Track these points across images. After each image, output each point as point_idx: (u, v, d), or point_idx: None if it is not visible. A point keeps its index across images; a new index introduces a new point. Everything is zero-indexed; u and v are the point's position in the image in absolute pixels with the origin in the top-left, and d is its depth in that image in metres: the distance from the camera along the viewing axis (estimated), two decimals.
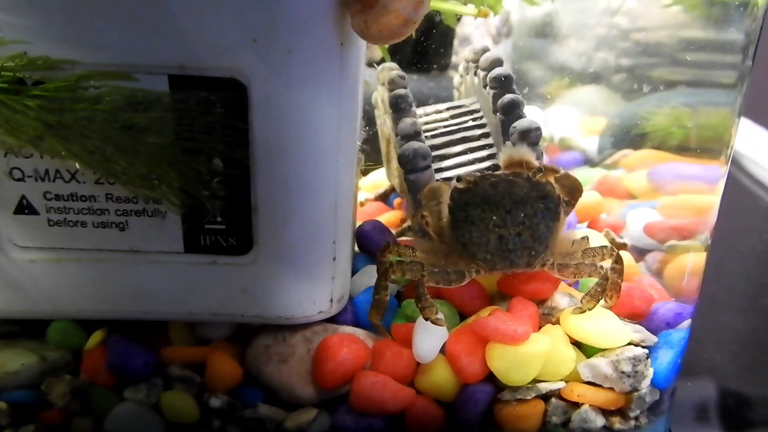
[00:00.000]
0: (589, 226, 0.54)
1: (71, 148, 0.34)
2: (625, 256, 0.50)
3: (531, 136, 0.42)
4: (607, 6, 0.68)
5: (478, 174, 0.40)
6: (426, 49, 0.70)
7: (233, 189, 0.36)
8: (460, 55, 0.90)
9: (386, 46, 0.51)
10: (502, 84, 0.45)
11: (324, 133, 0.36)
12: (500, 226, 0.39)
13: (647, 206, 0.57)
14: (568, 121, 0.81)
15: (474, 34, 0.92)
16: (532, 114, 0.84)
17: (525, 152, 0.42)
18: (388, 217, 0.55)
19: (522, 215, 0.39)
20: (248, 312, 0.39)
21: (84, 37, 0.33)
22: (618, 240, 0.52)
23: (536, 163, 0.41)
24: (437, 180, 0.45)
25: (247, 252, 0.38)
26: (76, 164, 0.35)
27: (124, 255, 0.38)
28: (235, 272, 0.38)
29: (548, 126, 0.82)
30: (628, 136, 0.62)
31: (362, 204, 0.59)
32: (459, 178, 0.39)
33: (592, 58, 0.70)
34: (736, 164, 1.04)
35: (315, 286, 0.39)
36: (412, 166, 0.42)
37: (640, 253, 0.54)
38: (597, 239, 0.48)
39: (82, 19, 0.32)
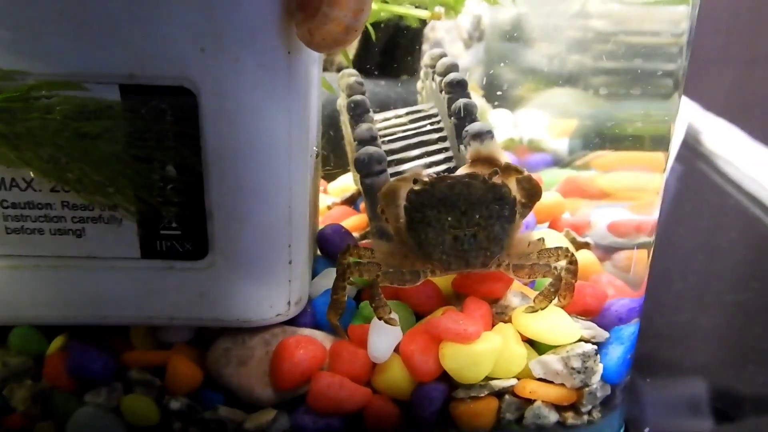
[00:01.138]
0: (550, 226, 0.56)
1: (25, 157, 0.35)
2: (587, 254, 0.51)
3: (483, 139, 0.43)
4: (580, 9, 0.69)
5: (435, 176, 0.41)
6: (394, 54, 0.71)
7: (187, 195, 0.37)
8: None
9: (347, 52, 0.52)
10: (456, 88, 0.46)
11: (275, 139, 0.37)
12: (455, 227, 0.40)
13: (619, 206, 0.58)
14: (538, 123, 0.82)
15: (446, 39, 0.93)
16: (501, 117, 0.86)
17: (493, 149, 0.43)
18: (354, 221, 0.56)
19: (477, 216, 0.40)
20: (206, 316, 0.40)
21: (34, 48, 0.33)
22: (579, 239, 0.54)
23: (502, 161, 0.42)
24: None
25: (203, 257, 0.39)
26: (31, 173, 0.36)
27: (82, 261, 0.38)
28: (192, 277, 0.39)
29: (518, 128, 0.84)
30: (598, 137, 0.64)
31: (329, 208, 0.60)
32: (416, 180, 0.40)
33: (564, 60, 0.71)
34: (709, 164, 1.06)
35: (272, 290, 0.40)
36: (368, 170, 0.43)
37: (606, 251, 0.55)
38: (556, 239, 0.49)
39: (32, 30, 0.33)
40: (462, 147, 0.44)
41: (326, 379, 0.39)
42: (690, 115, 1.09)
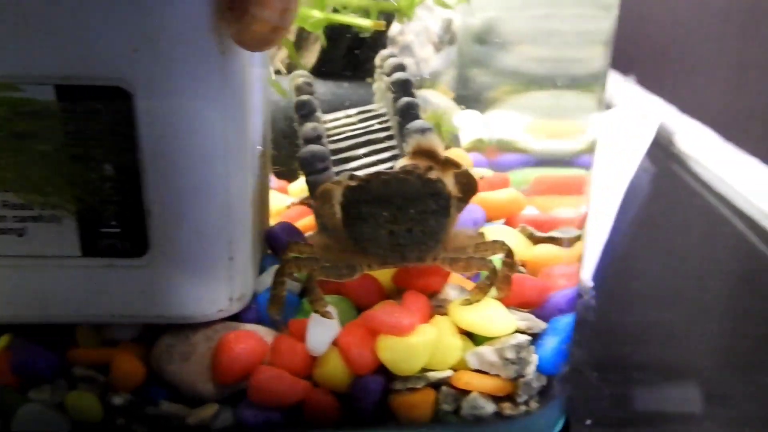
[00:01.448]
0: (506, 223, 0.56)
1: None
2: (549, 248, 0.51)
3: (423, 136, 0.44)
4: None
5: (371, 173, 0.42)
6: (358, 57, 0.72)
7: (125, 194, 0.38)
8: None
9: (295, 54, 0.53)
10: (401, 88, 0.47)
11: (210, 138, 0.38)
12: (391, 222, 0.41)
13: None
14: (514, 125, 0.83)
15: (415, 42, 0.94)
16: (469, 118, 0.87)
17: (432, 142, 0.44)
18: (311, 220, 0.57)
19: (412, 211, 0.41)
20: (148, 313, 0.41)
21: None
22: (538, 234, 0.54)
23: (441, 154, 0.43)
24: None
25: (143, 254, 0.40)
26: None
27: (24, 260, 0.39)
28: (132, 274, 0.40)
29: (488, 128, 0.85)
30: None
31: (288, 207, 0.61)
32: (352, 177, 0.41)
33: (541, 62, 0.72)
34: (681, 164, 1.07)
35: (213, 286, 0.41)
36: (311, 168, 0.44)
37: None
38: (503, 234, 0.50)
39: None
40: (405, 144, 0.45)
41: (266, 373, 0.40)
42: (662, 117, 1.10)
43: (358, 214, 0.41)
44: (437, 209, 0.41)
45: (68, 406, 0.41)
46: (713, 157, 1.03)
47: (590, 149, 0.47)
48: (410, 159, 0.44)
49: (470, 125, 0.85)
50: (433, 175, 0.41)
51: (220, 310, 0.42)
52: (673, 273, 0.70)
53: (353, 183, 0.41)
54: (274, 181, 0.65)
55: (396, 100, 0.46)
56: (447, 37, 1.01)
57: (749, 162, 1.00)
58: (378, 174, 0.41)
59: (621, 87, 1.40)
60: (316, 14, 0.46)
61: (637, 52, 1.65)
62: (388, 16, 0.71)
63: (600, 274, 0.66)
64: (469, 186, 0.43)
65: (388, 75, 0.48)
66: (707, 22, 1.60)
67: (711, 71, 1.59)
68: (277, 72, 0.71)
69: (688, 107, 1.24)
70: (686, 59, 1.62)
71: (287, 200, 0.62)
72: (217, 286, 0.41)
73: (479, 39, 0.87)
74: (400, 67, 0.48)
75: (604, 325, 0.60)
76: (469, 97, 0.91)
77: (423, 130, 0.44)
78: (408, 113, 0.45)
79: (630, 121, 1.05)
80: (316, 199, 0.42)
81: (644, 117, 1.05)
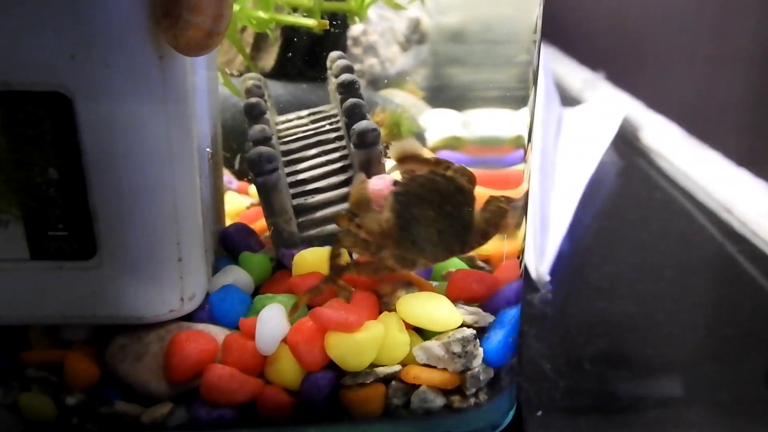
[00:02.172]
0: None
1: None
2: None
3: (368, 137, 0.45)
4: None
5: (407, 176, 0.44)
6: (318, 58, 0.73)
7: (71, 197, 0.38)
8: (365, 63, 0.93)
9: (247, 55, 0.54)
10: (348, 89, 0.48)
11: (153, 142, 0.38)
12: (436, 220, 0.43)
13: None
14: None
15: (379, 42, 0.95)
16: (440, 116, 0.88)
17: (413, 145, 0.45)
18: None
19: (448, 208, 0.43)
20: (99, 314, 0.41)
21: None
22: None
23: (427, 156, 0.45)
24: (291, 181, 0.48)
25: (92, 256, 0.40)
26: None
27: None
28: (82, 276, 0.40)
29: (469, 127, 0.86)
30: None
31: (248, 208, 0.62)
32: (396, 182, 0.43)
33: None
34: (646, 159, 1.09)
35: (163, 287, 0.42)
36: (259, 169, 0.45)
37: None
38: None
39: None
40: (351, 145, 0.46)
41: (217, 371, 0.41)
42: (626, 113, 1.12)
43: (412, 217, 0.42)
44: (464, 202, 0.43)
45: (22, 406, 0.41)
46: (677, 151, 1.05)
47: (518, 144, 0.48)
48: (399, 166, 0.45)
49: (442, 124, 0.86)
50: (450, 173, 0.44)
51: (171, 311, 0.42)
52: (632, 266, 0.72)
53: (399, 188, 0.43)
54: (234, 182, 0.65)
55: (343, 101, 0.47)
56: (415, 37, 1.02)
57: (712, 157, 1.01)
58: (414, 177, 0.43)
59: (591, 83, 1.42)
60: (261, 15, 0.46)
61: (609, 47, 1.67)
62: (345, 19, 0.72)
63: (558, 268, 0.67)
64: (470, 179, 0.45)
65: (336, 77, 0.49)
66: (680, 17, 1.62)
67: (684, 66, 1.61)
68: (239, 74, 0.72)
69: (660, 102, 1.25)
70: (659, 54, 1.64)
71: (246, 201, 0.63)
72: (168, 286, 0.42)
73: (454, 38, 0.88)
74: (348, 69, 0.49)
75: (561, 318, 0.61)
76: (444, 96, 0.92)
77: (368, 132, 0.44)
78: (354, 114, 0.46)
79: (594, 116, 1.06)
80: (356, 208, 0.42)
81: (608, 112, 1.07)
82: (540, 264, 0.66)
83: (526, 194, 0.46)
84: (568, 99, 1.25)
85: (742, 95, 1.57)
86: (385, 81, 0.95)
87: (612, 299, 0.64)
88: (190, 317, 0.44)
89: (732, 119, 1.60)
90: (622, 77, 1.43)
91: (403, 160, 0.45)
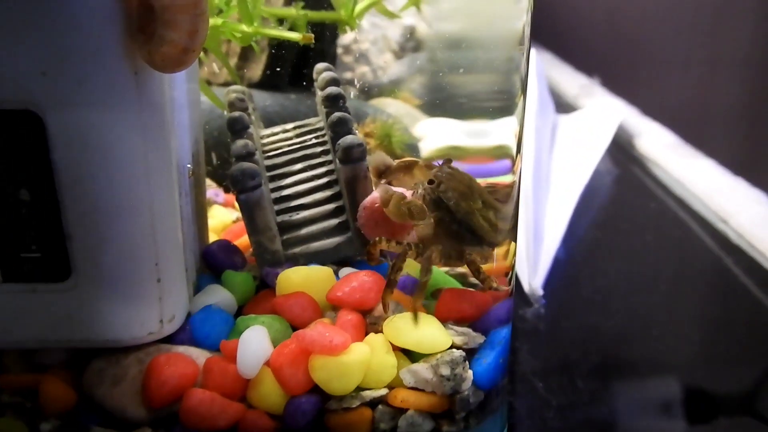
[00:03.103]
0: None
1: None
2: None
3: (353, 152, 0.43)
4: None
5: (445, 172, 0.45)
6: (306, 67, 0.71)
7: (44, 218, 0.37)
8: (357, 71, 0.92)
9: (232, 67, 0.52)
10: (333, 102, 0.46)
11: (129, 160, 0.37)
12: (482, 210, 0.44)
13: None
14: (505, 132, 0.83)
15: (372, 50, 0.94)
16: (435, 126, 0.86)
17: (382, 158, 0.47)
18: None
19: (484, 197, 0.45)
20: (75, 337, 0.40)
21: None
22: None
23: (392, 163, 0.47)
24: (275, 197, 0.47)
25: (66, 278, 0.39)
26: None
27: None
28: (56, 299, 0.39)
29: (469, 136, 0.84)
30: None
31: (234, 222, 0.60)
32: (432, 181, 0.44)
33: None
34: (641, 166, 1.08)
35: (141, 308, 0.40)
36: (241, 186, 0.43)
37: None
38: None
39: None
40: (337, 160, 0.45)
41: (197, 396, 0.40)
42: (622, 120, 1.11)
43: (469, 209, 0.44)
44: (486, 193, 0.45)
45: None
46: (672, 159, 1.04)
47: (506, 153, 0.47)
48: (402, 176, 0.46)
49: (439, 133, 0.84)
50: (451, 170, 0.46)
51: (150, 333, 0.41)
52: (627, 279, 0.71)
53: (442, 187, 0.44)
54: (221, 195, 0.64)
55: (328, 114, 0.46)
56: (410, 45, 1.01)
57: (707, 165, 1.00)
58: (446, 176, 0.45)
59: (586, 89, 1.41)
60: (245, 29, 0.45)
61: (604, 52, 1.66)
62: (334, 28, 0.71)
63: (551, 281, 0.66)
64: None
65: (322, 89, 0.48)
66: (675, 22, 1.62)
67: (678, 70, 1.60)
68: (225, 84, 0.71)
69: (655, 108, 1.25)
70: (654, 59, 1.64)
71: (233, 215, 0.61)
72: (146, 308, 0.40)
73: (452, 45, 0.87)
74: (334, 82, 0.48)
75: (553, 333, 0.60)
76: (441, 105, 0.91)
77: (353, 147, 0.43)
78: (339, 128, 0.45)
79: (589, 123, 1.05)
80: (414, 218, 0.43)
81: (603, 119, 1.06)
82: (533, 277, 0.64)
83: (516, 206, 0.45)
84: (563, 105, 1.24)
85: (738, 100, 1.57)
86: (376, 89, 0.94)
87: (606, 313, 0.63)
88: (169, 339, 0.42)
89: (727, 125, 1.60)
90: (616, 82, 1.42)
91: (399, 169, 0.46)
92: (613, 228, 0.83)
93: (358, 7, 0.54)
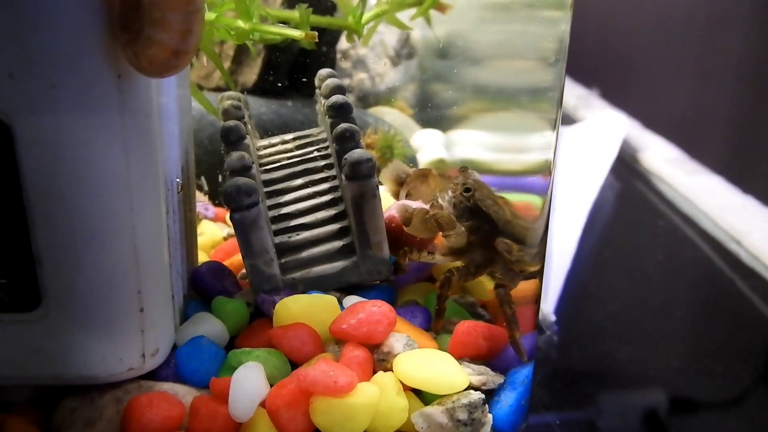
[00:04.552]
0: None
1: None
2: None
3: (362, 168, 0.39)
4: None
5: (468, 182, 0.43)
6: (303, 73, 0.67)
7: (10, 240, 0.33)
8: (354, 78, 0.88)
9: (226, 72, 0.48)
10: (339, 112, 0.42)
11: (107, 174, 0.32)
12: (514, 215, 0.43)
13: None
14: (476, 145, 0.79)
15: (369, 56, 0.90)
16: (430, 136, 0.82)
17: (401, 167, 0.47)
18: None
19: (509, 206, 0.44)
20: (44, 373, 0.35)
21: None
22: None
23: (410, 172, 0.46)
24: (273, 216, 0.42)
25: (36, 307, 0.34)
26: None
27: None
28: (23, 330, 0.34)
29: (450, 149, 0.80)
30: None
31: (225, 239, 0.56)
32: (467, 189, 0.43)
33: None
34: (645, 182, 1.05)
35: (120, 341, 0.36)
36: (236, 203, 0.39)
37: None
38: None
39: None
40: (343, 176, 0.41)
41: None
42: (624, 133, 1.07)
43: (507, 216, 0.43)
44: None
45: None
46: (678, 175, 1.00)
47: (543, 170, 0.44)
48: (418, 185, 0.45)
49: (431, 145, 0.80)
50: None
51: (130, 369, 0.36)
52: (640, 303, 0.67)
53: (477, 194, 0.42)
54: (211, 209, 0.59)
55: (334, 125, 0.41)
56: (405, 51, 0.97)
57: (715, 182, 0.97)
58: (479, 183, 0.43)
59: (585, 101, 1.38)
60: (241, 25, 0.40)
61: (598, 63, 1.63)
62: (334, 33, 0.66)
63: (562, 305, 0.62)
64: None
65: (326, 97, 0.43)
66: (668, 33, 1.60)
67: (672, 82, 1.58)
68: (218, 89, 0.66)
69: (648, 117, 1.22)
70: (648, 70, 1.62)
71: (224, 231, 0.57)
72: (126, 341, 0.36)
73: (440, 53, 0.83)
74: (339, 89, 0.43)
75: (566, 362, 0.56)
76: (430, 115, 0.87)
77: (361, 162, 0.39)
78: (346, 141, 0.40)
79: (592, 136, 1.02)
80: (444, 229, 0.41)
81: (607, 132, 1.02)
82: (544, 302, 0.60)
83: (546, 224, 0.41)
84: (562, 117, 1.21)
85: (729, 111, 1.55)
86: (370, 98, 0.90)
87: (620, 341, 0.59)
88: (152, 375, 0.38)
89: (719, 136, 1.58)
90: (611, 94, 1.40)
91: (416, 178, 0.45)
92: (621, 247, 0.79)
93: (366, 16, 0.50)
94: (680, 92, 1.60)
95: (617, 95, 1.38)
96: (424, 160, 0.77)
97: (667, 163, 1.04)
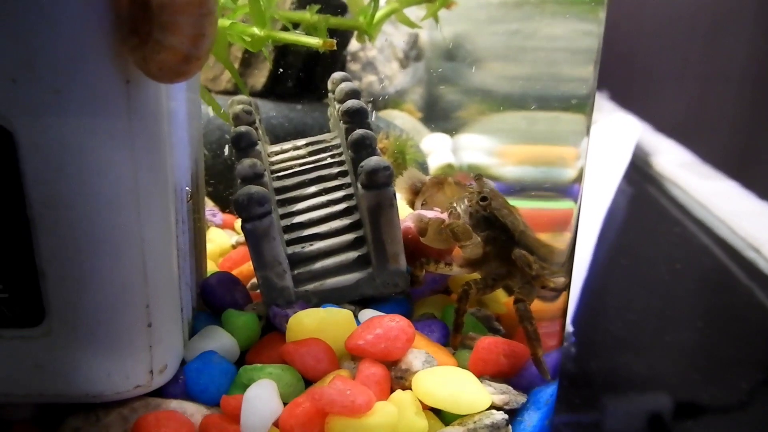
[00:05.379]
0: None
1: None
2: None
3: (379, 177, 0.37)
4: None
5: (484, 190, 0.42)
6: (313, 76, 0.65)
7: (13, 251, 0.31)
8: (364, 80, 0.86)
9: (237, 74, 0.46)
10: (355, 118, 0.40)
11: (114, 183, 0.31)
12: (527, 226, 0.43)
13: None
14: (482, 149, 0.78)
15: (379, 58, 0.88)
16: (439, 141, 0.81)
17: (417, 174, 0.46)
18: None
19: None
20: (47, 390, 0.34)
21: None
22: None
23: (426, 179, 0.45)
24: (286, 225, 0.41)
25: (39, 323, 0.32)
26: None
27: None
28: (25, 346, 0.33)
29: (458, 154, 0.79)
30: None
31: (234, 247, 0.54)
32: (484, 198, 0.41)
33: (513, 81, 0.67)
34: (658, 187, 1.03)
35: (127, 358, 0.34)
36: (248, 213, 0.37)
37: None
38: None
39: None
40: (359, 184, 0.39)
41: None
42: (637, 137, 1.06)
43: (522, 227, 0.42)
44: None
45: None
46: (692, 180, 0.99)
47: (578, 178, 0.42)
48: (436, 191, 0.45)
49: (439, 149, 0.79)
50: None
51: (137, 386, 0.35)
52: (657, 314, 0.65)
53: (493, 203, 0.41)
54: (218, 215, 0.58)
55: (349, 131, 0.40)
56: (414, 53, 0.95)
57: (731, 187, 0.95)
58: (494, 192, 0.43)
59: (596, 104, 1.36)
60: (256, 32, 0.39)
61: (605, 64, 1.62)
62: (345, 34, 0.65)
63: (579, 316, 0.61)
64: None
65: (341, 102, 0.42)
66: (672, 34, 1.58)
67: (676, 83, 1.56)
68: (226, 92, 0.65)
69: (658, 119, 1.21)
70: (652, 71, 1.60)
71: (232, 238, 0.55)
72: (133, 357, 0.34)
73: (448, 55, 0.81)
74: (354, 94, 0.42)
75: (584, 375, 0.54)
76: (437, 118, 0.85)
77: (378, 170, 0.37)
78: (362, 148, 0.39)
79: (606, 140, 1.00)
80: (459, 239, 0.40)
81: (620, 135, 1.01)
82: None
83: (574, 237, 0.40)
84: None
85: (734, 113, 1.54)
86: (379, 99, 0.88)
87: (638, 353, 0.58)
88: (160, 392, 0.36)
89: (724, 133, 1.56)
90: (620, 94, 1.38)
91: (434, 185, 0.45)
92: (637, 254, 0.78)
93: (377, 15, 0.49)
94: (686, 94, 1.59)
95: (625, 97, 1.36)
96: (434, 165, 0.75)
97: (681, 167, 1.03)
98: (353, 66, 0.82)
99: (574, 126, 0.41)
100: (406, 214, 0.44)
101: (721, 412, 0.52)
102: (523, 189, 0.48)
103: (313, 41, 0.39)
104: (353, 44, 0.81)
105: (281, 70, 0.62)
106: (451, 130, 0.80)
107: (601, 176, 0.86)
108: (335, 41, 0.39)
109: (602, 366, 0.56)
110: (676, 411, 0.52)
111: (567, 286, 0.41)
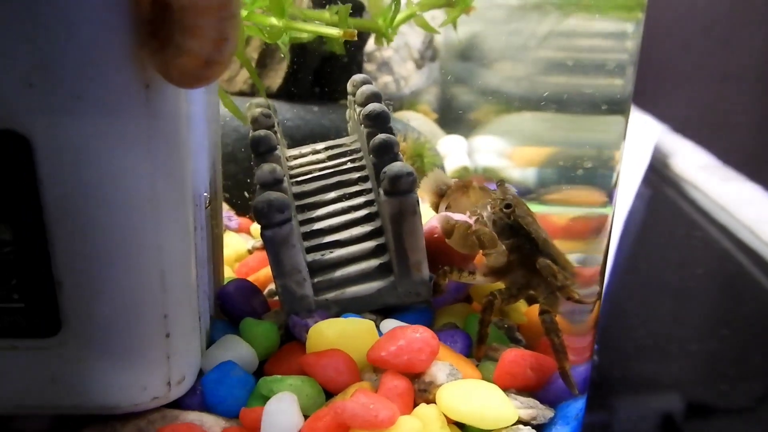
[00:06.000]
0: None
1: None
2: None
3: (402, 183, 0.36)
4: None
5: (508, 197, 0.41)
6: (330, 76, 0.64)
7: (29, 261, 0.30)
8: (380, 80, 0.85)
9: (257, 76, 0.45)
10: (376, 121, 0.39)
11: (133, 190, 0.30)
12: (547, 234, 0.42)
13: None
14: (496, 151, 0.76)
15: (394, 59, 0.87)
16: (455, 143, 0.79)
17: (441, 177, 0.45)
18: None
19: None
20: (62, 402, 0.33)
21: None
22: None
23: (451, 182, 0.45)
24: (305, 231, 0.40)
25: (55, 334, 0.32)
26: None
27: None
28: (41, 357, 0.32)
29: (473, 156, 0.77)
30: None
31: (250, 252, 0.53)
32: (508, 205, 0.41)
33: (530, 82, 0.65)
34: (677, 189, 1.01)
35: (144, 369, 0.33)
36: (267, 220, 0.36)
37: None
38: None
39: None
40: (381, 190, 0.38)
41: None
42: (656, 138, 1.04)
43: (546, 236, 0.41)
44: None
45: None
46: (712, 182, 0.97)
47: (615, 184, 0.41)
48: (460, 195, 0.44)
49: (455, 152, 0.78)
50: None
51: (154, 398, 0.34)
52: (681, 322, 0.63)
53: (518, 211, 0.41)
54: (234, 218, 0.57)
55: (370, 135, 0.39)
56: (429, 53, 0.94)
57: (752, 189, 0.94)
58: (518, 199, 0.42)
59: None
60: (274, 22, 0.38)
61: None
62: (362, 35, 0.64)
63: (601, 323, 0.59)
64: None
65: (362, 105, 0.41)
66: (689, 33, 1.56)
67: (695, 83, 1.54)
68: (241, 94, 0.64)
69: (671, 119, 1.19)
70: (670, 71, 1.58)
71: (248, 243, 0.54)
72: (151, 368, 0.33)
73: (462, 55, 0.80)
74: (375, 97, 0.41)
75: (607, 385, 0.53)
76: (452, 120, 0.84)
77: (401, 176, 0.36)
78: (384, 153, 0.38)
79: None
80: (485, 247, 0.39)
81: (639, 137, 0.99)
82: None
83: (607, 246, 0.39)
84: None
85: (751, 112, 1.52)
86: (391, 102, 0.87)
87: (660, 361, 0.56)
88: (178, 404, 0.35)
89: (741, 134, 1.54)
90: (636, 97, 1.36)
91: (458, 188, 0.44)
92: (658, 259, 0.76)
93: (397, 18, 0.48)
94: (705, 94, 1.57)
95: (643, 98, 1.35)
96: (450, 167, 0.74)
97: (700, 170, 1.01)
98: (369, 66, 0.81)
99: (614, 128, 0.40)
100: (428, 217, 0.43)
101: (745, 420, 0.50)
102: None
103: (333, 32, 0.38)
104: (369, 44, 0.80)
105: (297, 71, 0.61)
106: (466, 132, 0.79)
107: (622, 179, 0.85)
108: (356, 32, 0.38)
109: (626, 376, 0.55)
110: (699, 418, 0.50)
111: (599, 296, 0.39)
